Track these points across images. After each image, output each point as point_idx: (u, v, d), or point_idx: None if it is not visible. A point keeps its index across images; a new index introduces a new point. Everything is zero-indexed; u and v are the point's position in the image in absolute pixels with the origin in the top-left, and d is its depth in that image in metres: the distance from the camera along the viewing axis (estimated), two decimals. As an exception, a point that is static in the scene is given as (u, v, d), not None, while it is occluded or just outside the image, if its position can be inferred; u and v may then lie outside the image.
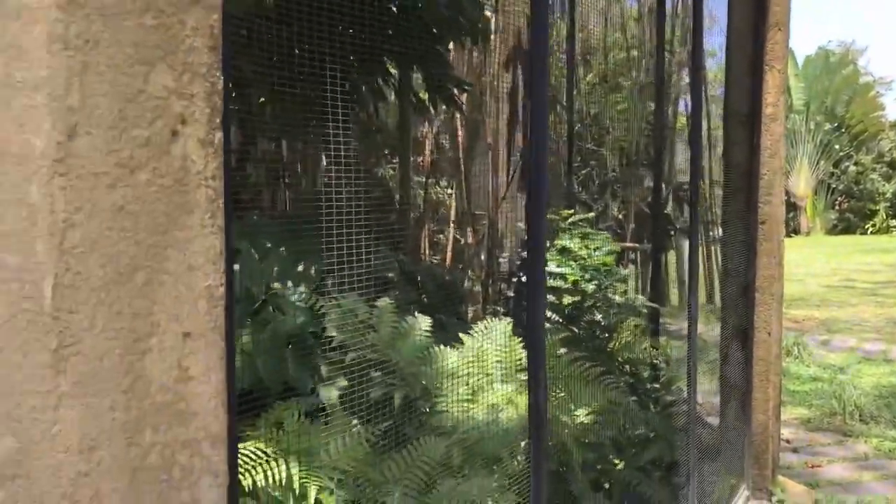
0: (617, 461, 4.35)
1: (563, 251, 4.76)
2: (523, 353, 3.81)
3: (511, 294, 7.89)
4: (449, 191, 10.89)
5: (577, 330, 4.45)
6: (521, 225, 6.32)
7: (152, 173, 1.03)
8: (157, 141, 1.04)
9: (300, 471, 2.92)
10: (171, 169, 1.06)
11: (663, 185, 7.51)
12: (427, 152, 10.40)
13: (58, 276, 0.93)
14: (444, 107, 8.17)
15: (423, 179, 10.12)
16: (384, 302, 3.93)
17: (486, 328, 4.21)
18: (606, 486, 4.02)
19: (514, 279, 7.66)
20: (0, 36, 0.91)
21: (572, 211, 5.09)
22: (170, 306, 1.07)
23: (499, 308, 7.65)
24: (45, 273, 0.93)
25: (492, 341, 3.79)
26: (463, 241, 9.82)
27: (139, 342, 1.03)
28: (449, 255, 9.68)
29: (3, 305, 0.92)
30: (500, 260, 8.72)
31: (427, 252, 9.93)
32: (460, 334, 3.84)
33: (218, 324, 1.14)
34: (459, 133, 9.75)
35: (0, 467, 0.93)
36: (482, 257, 9.12)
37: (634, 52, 11.98)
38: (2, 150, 0.91)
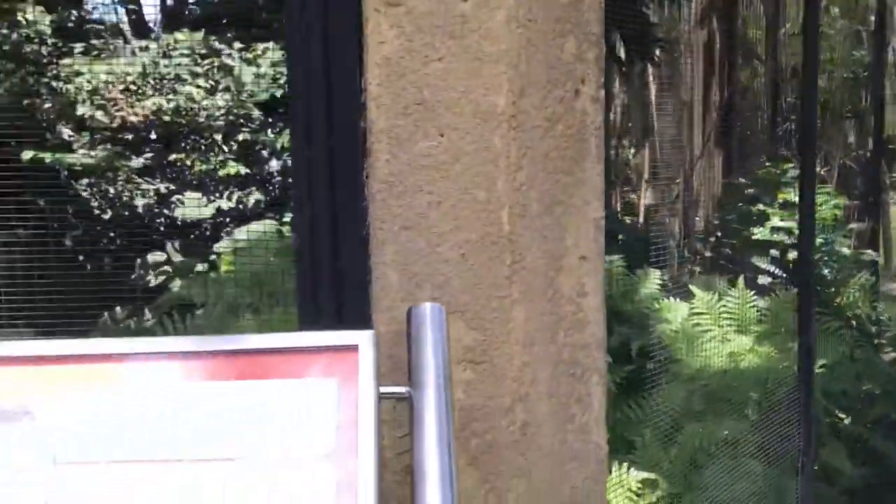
0: (843, 415, 4.33)
1: (786, 205, 4.71)
2: (756, 306, 3.88)
3: (708, 253, 7.80)
4: (636, 150, 10.81)
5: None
6: (742, 180, 6.25)
7: (564, 125, 1.28)
8: (567, 99, 1.28)
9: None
10: (575, 122, 1.30)
11: (877, 139, 7.14)
12: (618, 110, 10.34)
13: (511, 207, 1.19)
14: (638, 64, 8.10)
15: (615, 139, 10.07)
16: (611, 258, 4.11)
17: (709, 282, 4.30)
18: (837, 436, 4.04)
19: (715, 236, 7.56)
20: (474, 20, 1.16)
21: (791, 164, 5.00)
22: (573, 234, 1.31)
23: (696, 267, 7.60)
24: (503, 205, 1.19)
25: (723, 294, 3.88)
26: (656, 200, 9.77)
27: (556, 261, 1.28)
28: (642, 214, 9.65)
29: (474, 230, 1.19)
30: (696, 218, 8.61)
31: (620, 211, 9.91)
32: (692, 287, 3.95)
33: (600, 250, 1.38)
34: (652, 90, 9.62)
35: (472, 354, 1.21)
36: (676, 216, 9.03)
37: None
38: (474, 109, 1.18)
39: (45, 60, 6.13)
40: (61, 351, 0.97)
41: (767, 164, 5.27)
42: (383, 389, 0.93)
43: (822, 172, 10.17)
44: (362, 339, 0.96)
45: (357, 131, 1.24)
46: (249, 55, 7.06)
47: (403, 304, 1.22)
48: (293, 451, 0.89)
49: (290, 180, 1.31)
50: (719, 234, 7.21)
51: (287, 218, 6.72)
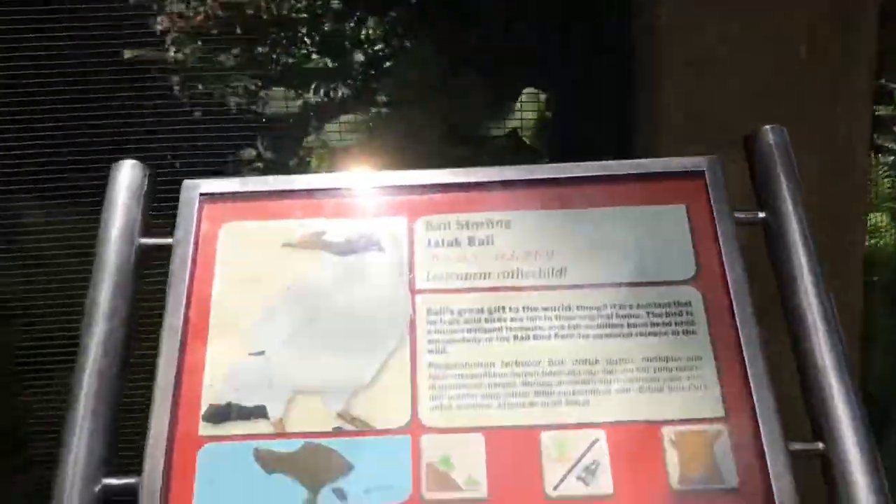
0: None
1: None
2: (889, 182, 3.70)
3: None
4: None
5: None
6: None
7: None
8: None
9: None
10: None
11: None
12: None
13: (808, 39, 1.12)
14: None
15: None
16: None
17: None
18: None
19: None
20: None
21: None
22: (849, 73, 1.23)
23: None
24: (801, 37, 1.11)
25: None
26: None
27: (834, 102, 1.21)
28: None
29: (765, 66, 1.12)
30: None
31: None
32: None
33: (870, 93, 1.30)
34: None
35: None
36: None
37: None
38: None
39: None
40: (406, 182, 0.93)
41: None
42: (737, 214, 0.89)
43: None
44: (707, 164, 0.91)
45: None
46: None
47: (686, 147, 1.16)
48: (656, 275, 0.86)
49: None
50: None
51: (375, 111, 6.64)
